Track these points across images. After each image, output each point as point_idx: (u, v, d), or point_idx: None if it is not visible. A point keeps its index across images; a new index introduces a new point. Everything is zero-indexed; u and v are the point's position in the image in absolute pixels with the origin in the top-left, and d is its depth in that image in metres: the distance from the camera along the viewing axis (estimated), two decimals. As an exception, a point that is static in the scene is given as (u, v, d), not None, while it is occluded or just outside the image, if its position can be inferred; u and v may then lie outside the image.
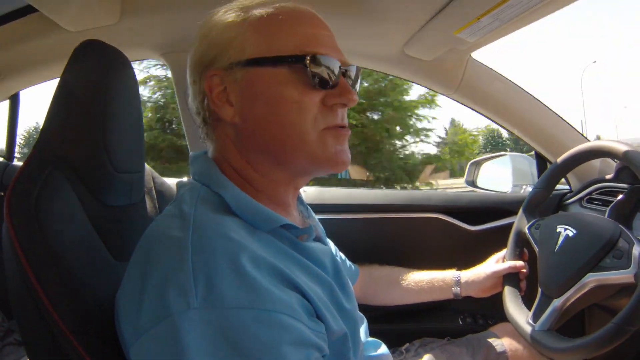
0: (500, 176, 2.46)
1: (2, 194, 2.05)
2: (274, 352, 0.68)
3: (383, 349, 1.24)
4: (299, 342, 0.72)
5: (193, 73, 0.93)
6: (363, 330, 1.22)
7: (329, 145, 0.91)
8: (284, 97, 0.88)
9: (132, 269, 0.80)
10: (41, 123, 1.00)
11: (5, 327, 2.05)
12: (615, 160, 1.73)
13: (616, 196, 1.47)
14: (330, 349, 0.82)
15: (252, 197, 0.88)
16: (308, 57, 0.87)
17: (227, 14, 0.93)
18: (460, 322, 1.97)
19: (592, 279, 1.19)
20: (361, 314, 1.19)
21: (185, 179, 1.00)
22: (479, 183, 2.50)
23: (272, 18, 0.91)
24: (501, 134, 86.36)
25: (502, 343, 1.57)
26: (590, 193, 1.75)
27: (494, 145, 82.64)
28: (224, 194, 0.87)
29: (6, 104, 2.29)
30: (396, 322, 1.93)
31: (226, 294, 0.69)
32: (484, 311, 1.98)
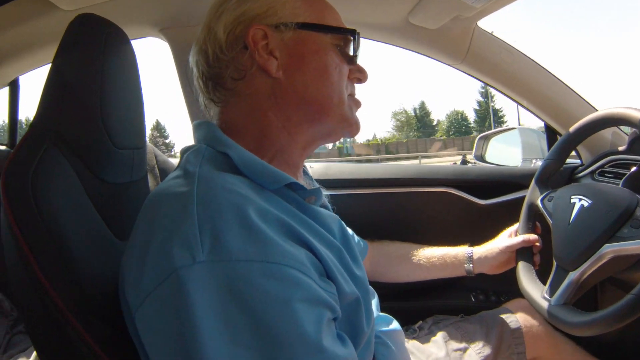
0: (509, 150, 2.44)
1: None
2: (284, 309, 0.66)
3: (395, 324, 1.23)
4: (310, 299, 0.70)
5: (232, 24, 0.93)
6: (374, 304, 1.21)
7: (353, 109, 1.02)
8: (330, 61, 0.95)
9: (135, 233, 0.79)
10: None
11: (15, 316, 2.05)
12: (625, 132, 1.69)
13: (629, 168, 1.44)
14: (342, 313, 0.80)
15: (262, 158, 0.88)
16: (356, 34, 1.00)
17: None
18: (473, 299, 1.95)
19: (609, 250, 1.16)
20: (372, 288, 1.17)
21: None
22: (488, 157, 2.48)
23: None
24: (466, 117, 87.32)
25: (517, 319, 1.56)
26: (602, 166, 1.72)
27: (458, 128, 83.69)
28: (230, 152, 0.86)
29: (6, 91, 2.28)
30: (408, 300, 1.91)
31: (233, 246, 0.66)
32: (496, 288, 1.96)
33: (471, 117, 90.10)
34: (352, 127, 1.00)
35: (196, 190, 0.73)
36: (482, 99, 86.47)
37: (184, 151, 0.93)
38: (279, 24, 0.92)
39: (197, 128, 0.97)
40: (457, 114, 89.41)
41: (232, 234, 0.67)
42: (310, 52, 0.94)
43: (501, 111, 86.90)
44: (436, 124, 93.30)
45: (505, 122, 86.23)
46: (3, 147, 2.37)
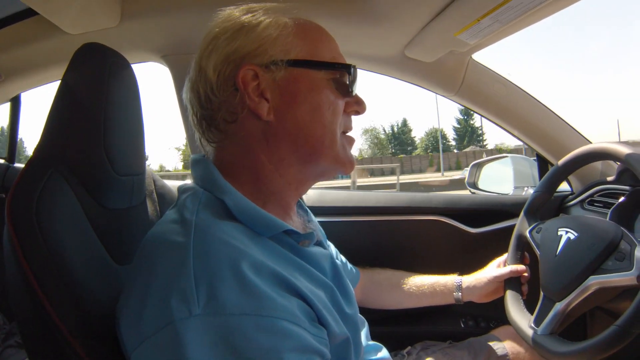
0: (501, 178, 2.46)
1: (4, 195, 2.06)
2: (275, 359, 0.68)
3: (384, 352, 1.24)
4: (300, 349, 0.72)
5: (222, 64, 0.92)
6: (364, 333, 1.23)
7: (346, 149, 1.00)
8: (323, 99, 0.94)
9: (133, 275, 0.80)
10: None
11: (6, 330, 2.05)
12: (617, 162, 1.73)
13: (618, 198, 1.47)
14: (332, 353, 0.82)
15: (256, 202, 0.89)
16: (352, 68, 0.97)
17: (257, 15, 0.95)
18: (462, 325, 1.96)
19: (594, 282, 1.18)
20: (362, 317, 1.19)
21: (187, 182, 1.00)
22: (481, 185, 2.51)
23: (310, 27, 0.99)
24: (445, 134, 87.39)
25: (504, 346, 1.57)
26: (591, 195, 1.75)
27: (435, 146, 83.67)
28: (226, 199, 0.87)
29: (7, 106, 2.30)
30: (397, 325, 1.92)
31: (228, 300, 0.69)
32: (485, 314, 1.98)
33: (450, 135, 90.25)
34: (345, 166, 0.99)
35: (193, 242, 0.75)
36: (461, 117, 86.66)
37: (182, 191, 0.94)
38: (269, 63, 0.91)
39: (195, 164, 0.98)
40: (436, 131, 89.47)
41: (227, 288, 0.70)
42: (303, 91, 0.92)
43: (480, 129, 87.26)
44: (412, 142, 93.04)
45: (485, 140, 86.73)
46: (1, 161, 2.38)
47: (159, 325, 0.68)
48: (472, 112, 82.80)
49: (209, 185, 0.91)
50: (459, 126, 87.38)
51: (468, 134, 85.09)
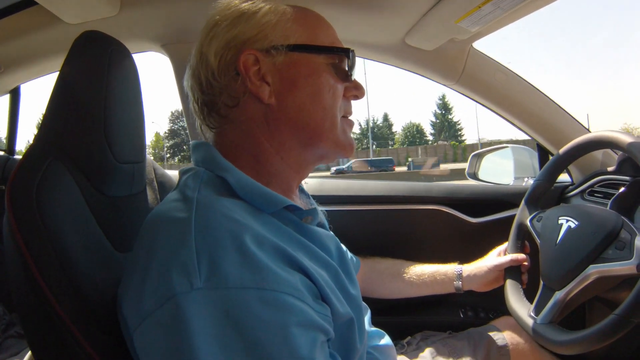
0: (501, 168, 2.46)
1: (4, 187, 2.06)
2: (279, 334, 0.68)
3: (386, 339, 1.25)
4: (305, 324, 0.72)
5: (223, 50, 0.93)
6: (367, 319, 1.23)
7: (347, 132, 1.01)
8: (323, 83, 0.95)
9: (135, 254, 0.81)
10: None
11: (7, 320, 2.06)
12: (617, 152, 1.72)
13: (618, 188, 1.47)
14: (336, 333, 0.82)
15: (258, 181, 0.89)
16: (350, 52, 0.98)
17: (256, 2, 0.96)
18: (462, 316, 1.97)
19: (594, 271, 1.18)
20: (365, 303, 1.19)
21: (187, 166, 1.00)
22: (481, 175, 2.50)
23: (308, 14, 1.00)
24: (422, 129, 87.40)
25: (504, 336, 1.57)
26: (592, 185, 1.75)
27: (412, 141, 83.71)
28: (227, 176, 0.88)
29: (7, 98, 2.30)
30: (398, 315, 1.93)
31: (230, 274, 0.69)
32: (485, 305, 1.98)
33: (428, 129, 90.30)
34: (346, 149, 1.00)
35: (194, 217, 0.75)
36: (439, 111, 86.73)
37: (183, 173, 0.95)
38: (269, 47, 0.92)
39: (195, 149, 0.99)
40: (413, 126, 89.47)
41: (229, 261, 0.69)
42: (303, 75, 0.94)
43: (459, 124, 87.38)
44: (392, 136, 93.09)
45: (463, 135, 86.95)
46: (1, 153, 2.38)
47: (160, 300, 0.68)
48: (450, 107, 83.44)
49: (210, 165, 0.92)
50: (436, 120, 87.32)
51: (446, 128, 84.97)
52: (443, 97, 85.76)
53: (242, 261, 0.70)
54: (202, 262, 0.69)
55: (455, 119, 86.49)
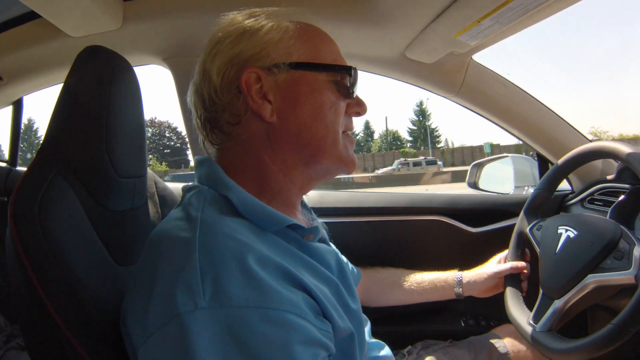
0: (502, 178, 2.47)
1: (6, 199, 2.07)
2: (282, 352, 0.69)
3: (386, 350, 1.25)
4: (307, 341, 0.73)
5: (225, 67, 0.93)
6: (367, 331, 1.23)
7: (348, 148, 1.01)
8: (325, 100, 0.96)
9: (139, 271, 0.81)
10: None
11: (8, 332, 2.05)
12: (617, 161, 1.73)
13: (618, 197, 1.48)
14: (337, 348, 0.83)
15: (261, 199, 0.90)
16: (352, 70, 0.98)
17: (259, 20, 0.97)
18: (463, 324, 1.97)
19: (592, 280, 1.19)
20: (365, 315, 1.19)
21: (191, 183, 1.01)
22: (481, 185, 2.51)
23: (311, 31, 1.01)
24: (399, 136, 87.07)
25: (505, 344, 1.58)
26: (592, 194, 1.76)
27: (388, 148, 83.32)
28: (231, 195, 0.88)
29: (9, 109, 2.31)
30: (398, 324, 1.93)
31: (233, 293, 0.69)
32: (486, 313, 1.98)
33: (405, 136, 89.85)
34: (348, 165, 1.00)
35: (198, 237, 0.76)
36: (416, 118, 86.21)
37: (187, 190, 0.95)
38: (271, 65, 0.93)
39: (199, 165, 0.99)
40: (389, 134, 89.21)
41: (233, 281, 0.70)
42: (305, 93, 0.94)
43: (437, 130, 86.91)
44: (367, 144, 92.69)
45: (441, 142, 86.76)
46: (3, 164, 2.39)
47: (165, 318, 0.69)
48: (428, 113, 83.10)
49: (213, 183, 0.92)
50: (414, 128, 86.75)
51: (422, 135, 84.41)
52: (421, 104, 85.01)
53: (245, 281, 0.71)
54: (206, 282, 0.70)
55: (433, 125, 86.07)
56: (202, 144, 1.03)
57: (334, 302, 0.87)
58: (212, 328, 0.67)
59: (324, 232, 1.12)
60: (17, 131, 2.37)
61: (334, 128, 0.97)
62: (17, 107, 2.31)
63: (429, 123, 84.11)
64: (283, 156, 0.95)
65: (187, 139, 2.01)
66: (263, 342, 0.68)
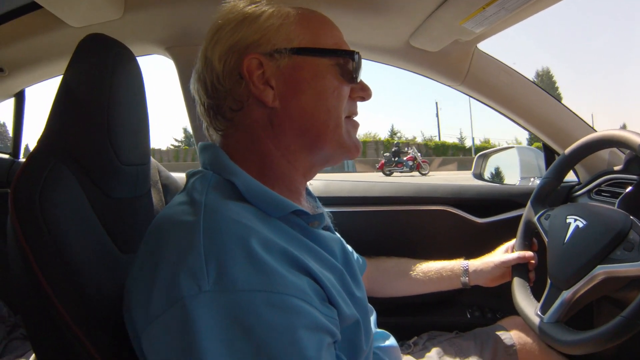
0: (507, 169, 2.45)
1: (9, 190, 2.07)
2: (287, 337, 0.68)
3: (392, 340, 1.25)
4: (312, 327, 0.72)
5: (227, 54, 0.93)
6: (372, 321, 1.22)
7: (351, 134, 1.01)
8: (327, 85, 0.95)
9: (142, 256, 0.81)
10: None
11: (12, 322, 2.06)
12: (624, 151, 1.71)
13: (625, 188, 1.46)
14: (342, 335, 0.82)
15: (265, 185, 0.89)
16: (355, 54, 0.97)
17: (260, 6, 0.96)
18: (469, 316, 1.96)
19: (601, 271, 1.18)
20: (370, 305, 1.19)
21: (195, 168, 1.00)
22: (487, 176, 2.50)
23: (312, 16, 1.00)
24: (380, 138, 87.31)
25: (511, 336, 1.57)
26: (599, 185, 1.74)
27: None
28: (235, 180, 0.87)
29: (12, 101, 2.31)
30: (404, 316, 1.93)
31: (238, 276, 0.69)
32: (492, 305, 1.98)
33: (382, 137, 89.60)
34: (351, 151, 1.00)
35: (202, 221, 0.75)
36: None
37: (190, 175, 0.95)
38: (273, 51, 0.92)
39: (202, 150, 0.99)
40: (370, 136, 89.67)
41: (237, 265, 0.70)
42: (307, 78, 0.94)
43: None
44: None
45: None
46: (6, 156, 2.39)
47: (168, 303, 0.68)
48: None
49: (217, 168, 0.92)
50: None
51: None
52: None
53: (250, 265, 0.70)
54: (210, 266, 0.69)
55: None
56: (206, 130, 1.03)
57: (339, 289, 0.86)
58: (216, 312, 0.66)
59: (328, 220, 1.11)
60: (19, 123, 2.38)
61: (337, 113, 0.96)
62: (19, 99, 2.31)
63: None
64: (286, 141, 0.94)
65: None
66: (267, 327, 0.67)
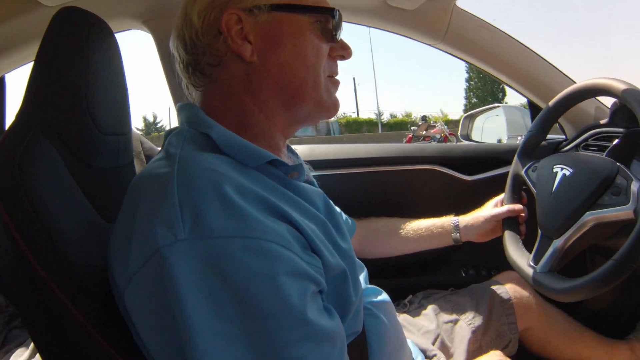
0: (494, 128, 2.47)
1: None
2: (267, 283, 0.67)
3: (384, 295, 1.23)
4: (294, 273, 0.71)
5: (206, 10, 0.92)
6: (363, 277, 1.22)
7: (331, 92, 1.01)
8: (307, 42, 0.94)
9: (121, 216, 0.81)
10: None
11: (10, 312, 2.05)
12: (607, 107, 1.72)
13: (612, 141, 1.46)
14: (329, 285, 0.82)
15: (244, 138, 0.89)
16: (335, 11, 0.97)
17: None
18: (463, 274, 1.98)
19: (591, 217, 1.19)
20: (361, 262, 1.19)
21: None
22: (474, 136, 2.51)
23: None
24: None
25: (507, 290, 1.58)
26: (586, 139, 1.74)
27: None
28: (211, 133, 0.87)
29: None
30: (398, 277, 1.93)
31: (213, 223, 0.68)
32: (486, 262, 1.99)
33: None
34: (329, 109, 1.00)
35: (176, 171, 0.75)
36: None
37: (167, 134, 0.94)
38: (252, 7, 0.91)
39: (180, 110, 0.98)
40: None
41: (212, 211, 0.69)
42: (286, 34, 0.93)
43: None
44: None
45: None
46: None
47: (146, 256, 0.68)
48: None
49: (194, 124, 0.91)
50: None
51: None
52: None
53: (225, 210, 0.69)
54: (185, 214, 0.68)
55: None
56: (185, 89, 1.02)
57: (323, 238, 0.85)
58: (194, 260, 0.66)
59: (309, 174, 1.11)
60: (1, 111, 2.34)
61: (315, 70, 0.96)
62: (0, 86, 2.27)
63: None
64: (263, 97, 0.94)
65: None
66: (246, 274, 0.66)
